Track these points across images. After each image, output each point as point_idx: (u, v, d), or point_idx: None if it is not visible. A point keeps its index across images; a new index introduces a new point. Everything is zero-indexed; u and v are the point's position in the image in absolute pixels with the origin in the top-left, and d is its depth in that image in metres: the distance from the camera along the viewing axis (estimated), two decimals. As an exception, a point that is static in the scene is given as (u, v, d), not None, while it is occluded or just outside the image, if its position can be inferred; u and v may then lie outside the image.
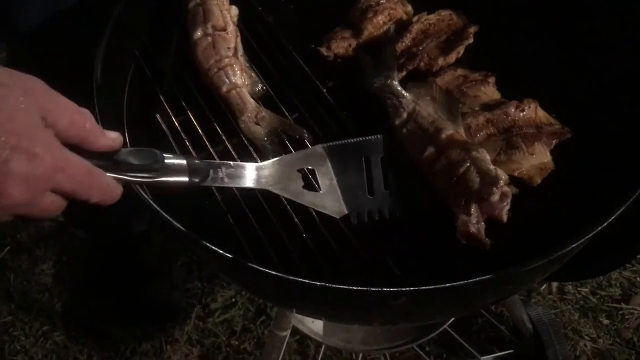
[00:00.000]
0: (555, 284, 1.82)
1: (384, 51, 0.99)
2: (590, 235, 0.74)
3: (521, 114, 0.92)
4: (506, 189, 0.79)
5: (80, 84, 0.92)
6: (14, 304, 1.99)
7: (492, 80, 1.00)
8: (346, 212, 0.83)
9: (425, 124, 0.88)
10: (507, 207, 0.78)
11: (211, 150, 0.98)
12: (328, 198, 0.83)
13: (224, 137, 0.99)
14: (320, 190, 0.84)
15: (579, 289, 1.82)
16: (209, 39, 1.05)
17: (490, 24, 1.08)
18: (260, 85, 1.04)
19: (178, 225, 0.79)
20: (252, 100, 1.00)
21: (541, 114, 0.94)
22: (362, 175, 0.85)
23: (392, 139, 0.91)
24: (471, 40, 1.04)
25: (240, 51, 1.06)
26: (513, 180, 0.88)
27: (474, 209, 0.78)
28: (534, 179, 0.89)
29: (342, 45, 1.08)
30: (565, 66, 1.02)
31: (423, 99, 0.92)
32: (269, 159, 0.87)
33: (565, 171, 0.90)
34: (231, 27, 1.07)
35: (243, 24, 1.13)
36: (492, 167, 0.81)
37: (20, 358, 1.84)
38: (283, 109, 1.02)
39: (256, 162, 0.88)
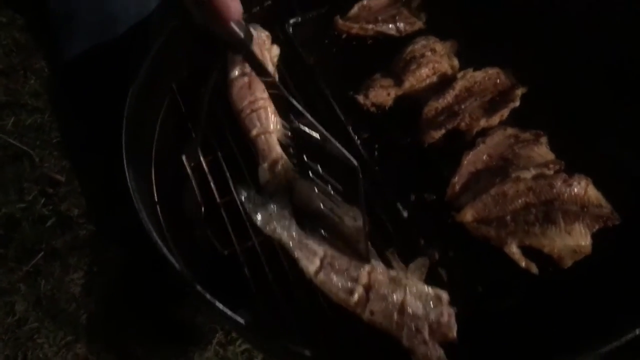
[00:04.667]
0: None
1: (268, 189, 0.92)
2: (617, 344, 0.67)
3: (568, 189, 0.86)
4: (450, 309, 0.77)
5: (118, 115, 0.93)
6: (42, 310, 2.00)
7: (544, 140, 0.94)
8: None
9: (343, 264, 0.82)
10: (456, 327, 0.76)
11: (235, 194, 0.95)
12: None
13: (249, 181, 0.96)
14: None
15: None
16: (246, 79, 1.03)
17: (540, 82, 1.02)
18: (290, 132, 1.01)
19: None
20: (278, 149, 0.97)
21: (592, 193, 0.86)
22: None
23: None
24: (517, 104, 0.98)
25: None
26: (537, 257, 0.83)
27: (427, 336, 0.75)
28: (564, 261, 0.83)
29: (380, 94, 1.04)
30: (625, 139, 0.94)
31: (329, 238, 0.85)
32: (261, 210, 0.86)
33: (603, 260, 0.83)
34: (270, 68, 1.05)
35: (283, 64, 1.11)
36: (428, 289, 0.79)
37: (41, 367, 1.85)
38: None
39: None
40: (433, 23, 1.15)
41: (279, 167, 0.94)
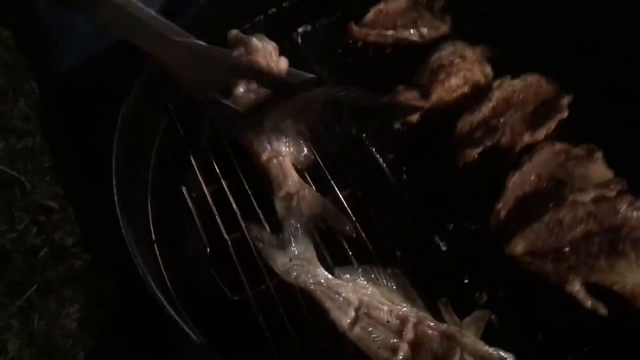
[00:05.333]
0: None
1: (288, 226, 0.78)
2: None
3: (636, 214, 0.73)
4: None
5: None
6: (36, 348, 1.86)
7: (599, 155, 0.82)
8: None
9: (383, 315, 0.69)
10: None
11: (245, 231, 0.82)
12: None
13: (260, 215, 0.83)
14: None
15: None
16: (251, 96, 0.90)
17: (588, 89, 0.89)
18: (306, 153, 0.89)
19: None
20: (294, 175, 0.84)
21: (666, 216, 0.74)
22: None
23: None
24: (565, 114, 0.86)
25: None
26: (607, 295, 0.71)
27: None
28: (638, 300, 0.70)
29: (406, 110, 0.91)
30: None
31: (366, 283, 0.73)
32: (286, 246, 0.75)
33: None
34: None
35: (292, 78, 0.98)
36: (489, 350, 0.66)
37: (36, 413, 1.70)
38: (333, 183, 0.86)
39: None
40: (460, 27, 1.03)
41: (297, 197, 0.81)
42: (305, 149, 0.88)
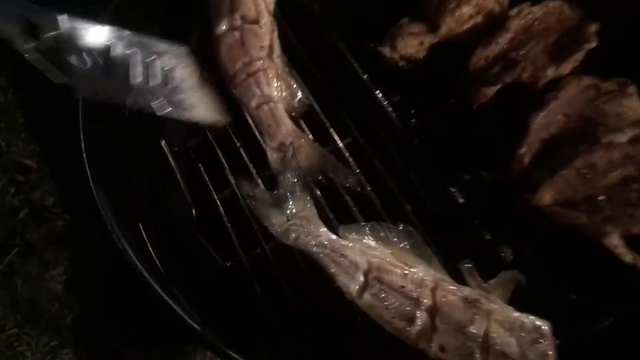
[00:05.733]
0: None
1: (284, 181, 0.69)
2: None
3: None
4: (553, 347, 0.55)
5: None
6: (21, 314, 1.79)
7: (633, 89, 0.72)
8: None
9: (396, 279, 0.60)
10: None
11: (235, 188, 0.73)
12: None
13: (252, 169, 0.74)
14: None
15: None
16: (237, 34, 0.79)
17: (615, 14, 0.79)
18: (301, 98, 0.78)
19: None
20: (288, 122, 0.74)
21: None
22: None
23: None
24: (594, 44, 0.75)
25: (277, 51, 0.80)
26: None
27: None
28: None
29: (411, 43, 0.81)
30: None
31: (375, 243, 0.64)
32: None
33: None
34: (266, 19, 0.81)
35: (282, 14, 0.86)
36: (521, 317, 0.57)
37: (25, 378, 1.64)
38: (332, 131, 0.76)
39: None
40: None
41: (293, 147, 0.71)
42: (299, 92, 0.78)
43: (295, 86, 0.79)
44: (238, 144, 0.76)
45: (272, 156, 0.72)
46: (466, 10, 0.81)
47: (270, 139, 0.73)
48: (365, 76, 0.81)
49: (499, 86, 0.75)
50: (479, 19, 0.82)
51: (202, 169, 0.76)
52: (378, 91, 0.79)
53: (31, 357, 1.70)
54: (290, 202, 0.68)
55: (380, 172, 0.73)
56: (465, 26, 0.82)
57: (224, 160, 0.75)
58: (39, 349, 1.69)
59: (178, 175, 0.74)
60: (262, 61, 0.78)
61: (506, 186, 0.71)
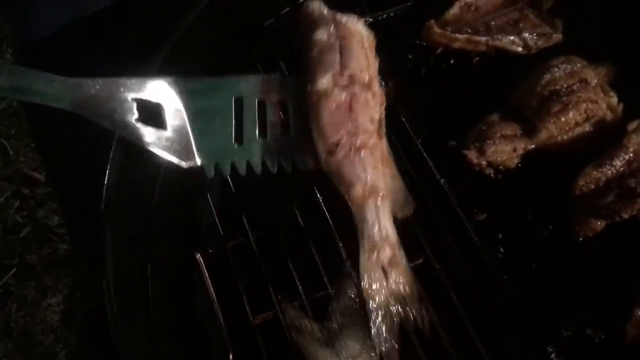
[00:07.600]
0: None
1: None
2: None
3: None
4: None
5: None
6: (12, 342, 1.67)
7: None
8: (198, 162, 0.65)
9: None
10: None
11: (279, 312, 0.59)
12: (175, 140, 0.64)
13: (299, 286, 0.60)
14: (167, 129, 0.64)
15: None
16: (344, 95, 0.64)
17: None
18: (407, 199, 0.64)
19: None
20: (392, 230, 0.60)
21: None
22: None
23: None
24: None
25: (384, 130, 0.65)
26: None
27: None
28: None
29: (503, 149, 0.67)
30: None
31: None
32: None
33: None
34: (377, 87, 0.66)
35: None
36: None
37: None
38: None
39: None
40: (573, 35, 0.77)
41: (389, 264, 0.57)
42: (403, 191, 0.64)
43: (399, 180, 0.64)
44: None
45: (366, 265, 0.58)
46: (573, 115, 0.67)
47: (369, 250, 0.58)
48: (442, 181, 0.67)
49: (616, 219, 0.61)
50: (587, 127, 0.68)
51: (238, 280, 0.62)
52: (456, 203, 0.65)
53: (17, 393, 1.57)
54: (342, 342, 0.55)
55: (458, 310, 0.59)
56: (570, 134, 0.68)
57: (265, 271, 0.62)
58: (27, 385, 1.57)
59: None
60: (370, 136, 0.63)
61: (618, 349, 0.57)
